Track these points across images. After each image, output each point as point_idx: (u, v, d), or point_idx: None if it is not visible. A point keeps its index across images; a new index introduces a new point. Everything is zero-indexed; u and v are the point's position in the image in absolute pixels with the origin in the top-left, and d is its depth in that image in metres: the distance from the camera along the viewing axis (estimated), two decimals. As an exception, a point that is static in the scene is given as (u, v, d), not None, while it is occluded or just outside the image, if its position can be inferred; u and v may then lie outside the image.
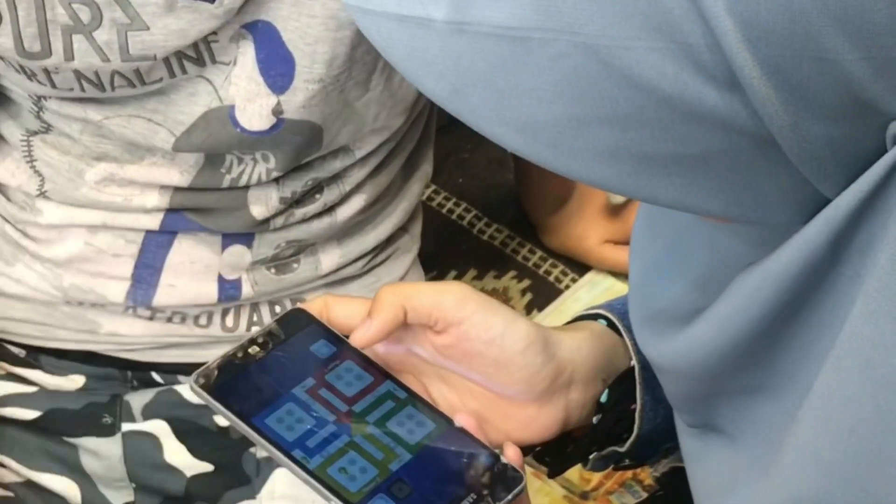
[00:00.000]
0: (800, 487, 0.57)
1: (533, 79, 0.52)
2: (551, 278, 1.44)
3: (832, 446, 0.55)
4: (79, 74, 0.93)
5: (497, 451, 0.75)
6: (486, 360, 0.76)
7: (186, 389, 1.10)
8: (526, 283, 1.44)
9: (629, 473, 1.28)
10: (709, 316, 0.62)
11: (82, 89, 0.95)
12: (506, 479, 0.73)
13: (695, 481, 0.71)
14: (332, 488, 0.71)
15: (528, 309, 1.40)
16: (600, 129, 0.52)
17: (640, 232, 0.74)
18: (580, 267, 1.44)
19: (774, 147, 0.52)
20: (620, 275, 1.43)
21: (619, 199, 1.41)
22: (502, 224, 1.48)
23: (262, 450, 0.74)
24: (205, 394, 0.75)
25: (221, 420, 1.08)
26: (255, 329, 1.08)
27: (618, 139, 0.52)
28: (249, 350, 0.77)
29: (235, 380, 0.76)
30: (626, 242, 1.42)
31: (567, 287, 1.43)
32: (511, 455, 0.74)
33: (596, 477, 1.27)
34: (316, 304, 0.79)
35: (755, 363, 0.61)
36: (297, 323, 0.79)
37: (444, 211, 1.50)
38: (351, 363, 0.78)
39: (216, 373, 0.75)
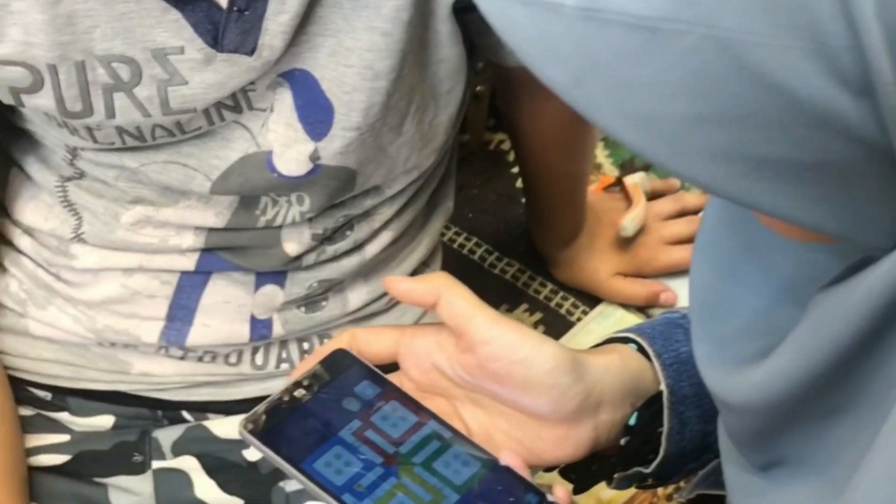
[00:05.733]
0: None
1: (659, 72, 0.51)
2: (562, 311, 1.46)
3: None
4: (120, 130, 0.95)
5: (543, 490, 0.75)
6: (515, 380, 0.77)
7: (215, 425, 1.11)
8: (538, 316, 1.45)
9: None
10: (790, 345, 0.61)
11: (123, 143, 0.96)
12: None
13: None
14: None
15: (542, 342, 1.42)
16: (719, 128, 0.51)
17: (709, 236, 0.72)
18: (591, 299, 1.46)
19: (891, 161, 0.51)
20: (630, 306, 1.45)
21: (629, 232, 1.43)
22: (513, 258, 1.50)
23: (301, 487, 0.74)
24: (254, 440, 0.75)
25: (251, 455, 1.09)
26: (283, 367, 1.10)
27: (735, 139, 0.52)
28: (295, 393, 0.77)
29: (283, 424, 0.76)
30: (635, 275, 1.45)
31: (578, 319, 1.45)
32: (560, 494, 0.74)
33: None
34: (343, 339, 0.81)
35: (834, 386, 0.61)
36: (340, 364, 0.79)
37: (456, 246, 1.51)
38: (396, 403, 0.78)
39: (264, 417, 0.76)
